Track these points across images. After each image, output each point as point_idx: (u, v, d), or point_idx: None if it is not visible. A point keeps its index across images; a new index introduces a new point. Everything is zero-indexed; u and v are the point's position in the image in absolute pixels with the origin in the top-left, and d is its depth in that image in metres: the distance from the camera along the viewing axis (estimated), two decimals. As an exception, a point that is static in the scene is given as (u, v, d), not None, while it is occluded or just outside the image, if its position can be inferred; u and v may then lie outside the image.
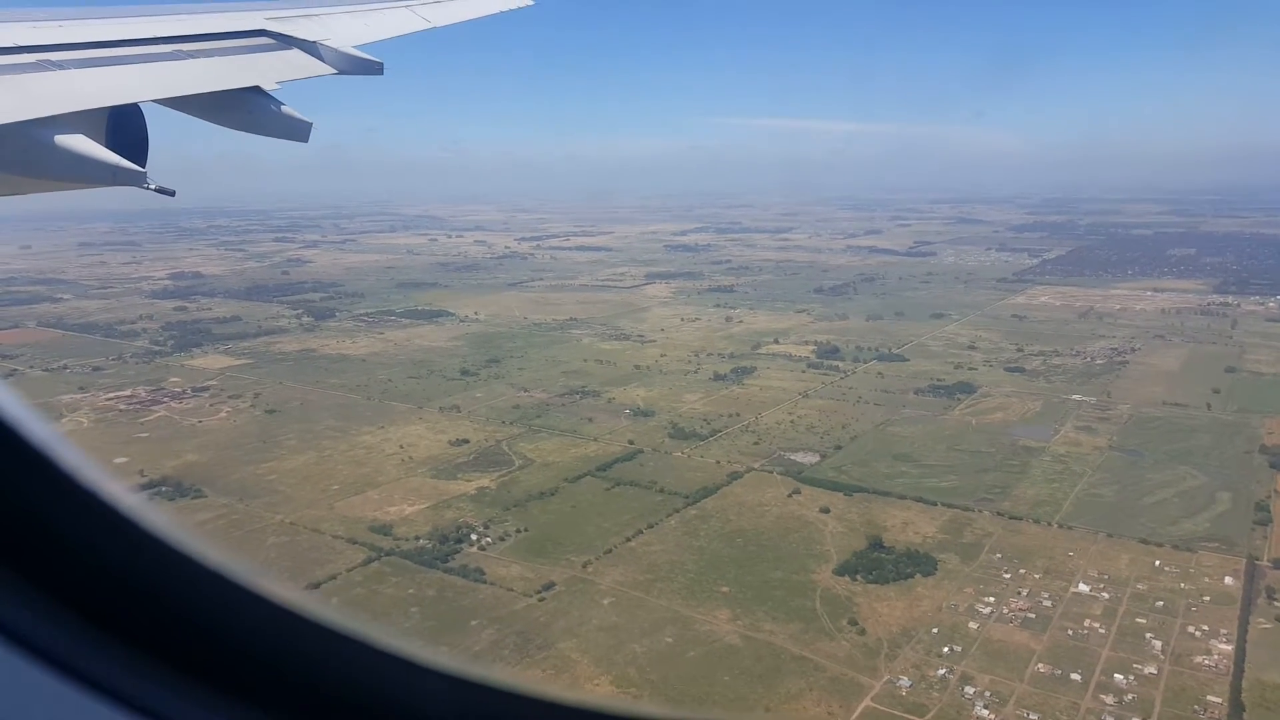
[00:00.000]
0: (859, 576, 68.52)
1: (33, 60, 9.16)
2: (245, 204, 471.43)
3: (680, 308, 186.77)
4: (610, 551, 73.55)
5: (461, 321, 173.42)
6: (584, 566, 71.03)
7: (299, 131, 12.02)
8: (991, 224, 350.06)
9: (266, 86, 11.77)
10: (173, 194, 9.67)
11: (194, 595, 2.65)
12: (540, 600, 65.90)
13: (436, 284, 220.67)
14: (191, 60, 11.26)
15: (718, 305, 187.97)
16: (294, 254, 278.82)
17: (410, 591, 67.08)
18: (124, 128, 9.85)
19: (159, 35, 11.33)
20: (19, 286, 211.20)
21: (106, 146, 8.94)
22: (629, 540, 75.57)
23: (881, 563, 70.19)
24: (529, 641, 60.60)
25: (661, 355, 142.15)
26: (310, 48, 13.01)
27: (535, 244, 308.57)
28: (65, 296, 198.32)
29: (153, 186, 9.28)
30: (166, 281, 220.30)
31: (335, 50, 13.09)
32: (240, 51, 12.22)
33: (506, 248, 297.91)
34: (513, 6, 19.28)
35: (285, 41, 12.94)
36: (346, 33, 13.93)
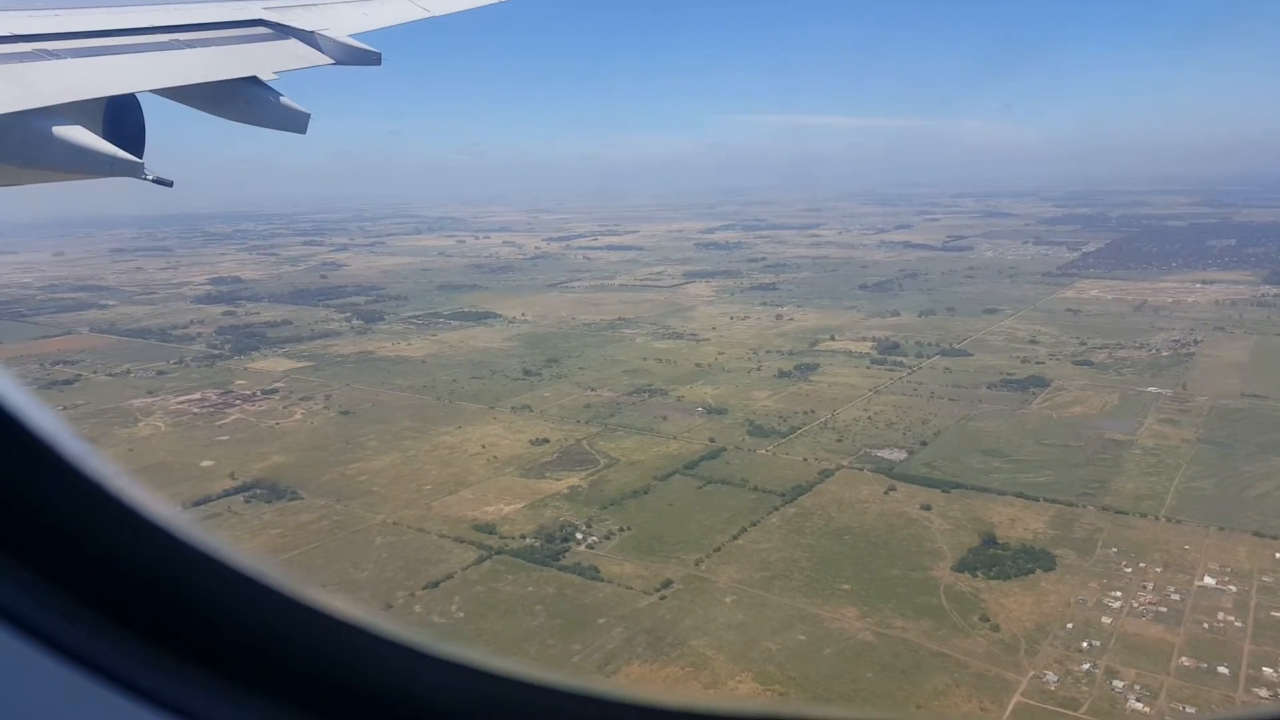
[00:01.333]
0: (979, 573, 67.94)
1: (30, 50, 9.08)
2: (266, 208, 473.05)
3: (726, 306, 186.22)
4: (719, 550, 73.20)
5: (510, 322, 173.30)
6: (696, 564, 70.70)
7: (297, 122, 11.93)
8: (1021, 218, 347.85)
9: (264, 77, 11.66)
10: (170, 184, 9.56)
11: (199, 585, 2.64)
12: (661, 598, 65.59)
13: (476, 286, 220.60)
14: (188, 50, 11.18)
15: (763, 303, 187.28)
16: (326, 257, 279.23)
17: (530, 590, 66.85)
18: (121, 118, 9.79)
19: (156, 25, 11.24)
20: (61, 293, 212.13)
21: (104, 137, 8.86)
22: (735, 538, 75.21)
23: (999, 559, 69.61)
24: (660, 639, 60.28)
25: (719, 353, 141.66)
26: (308, 38, 12.88)
27: (564, 244, 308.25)
28: (111, 302, 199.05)
29: (150, 177, 9.20)
30: (208, 286, 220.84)
31: (333, 40, 12.94)
32: (237, 41, 12.16)
33: (537, 248, 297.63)
34: None
35: (282, 31, 12.83)
36: (344, 22, 13.79)
